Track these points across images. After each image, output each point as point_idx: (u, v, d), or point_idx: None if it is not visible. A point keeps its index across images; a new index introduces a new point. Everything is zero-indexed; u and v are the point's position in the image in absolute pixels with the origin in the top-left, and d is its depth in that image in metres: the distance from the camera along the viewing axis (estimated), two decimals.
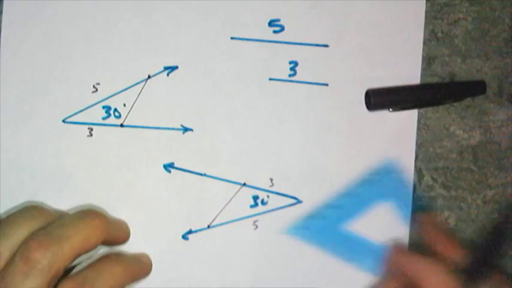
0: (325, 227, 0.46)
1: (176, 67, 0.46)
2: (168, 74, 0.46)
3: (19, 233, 0.36)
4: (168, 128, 0.45)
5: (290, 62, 0.46)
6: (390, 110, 0.46)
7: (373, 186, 0.46)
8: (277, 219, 0.46)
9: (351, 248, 0.46)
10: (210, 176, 0.46)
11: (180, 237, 0.45)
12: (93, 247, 0.37)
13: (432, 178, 0.47)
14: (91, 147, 0.45)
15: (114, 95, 0.45)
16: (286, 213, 0.46)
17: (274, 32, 0.46)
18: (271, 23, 0.46)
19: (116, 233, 0.42)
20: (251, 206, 0.46)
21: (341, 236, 0.46)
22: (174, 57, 0.46)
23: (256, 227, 0.46)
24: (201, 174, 0.46)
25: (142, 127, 0.45)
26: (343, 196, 0.46)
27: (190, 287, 0.46)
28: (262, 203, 0.46)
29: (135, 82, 0.45)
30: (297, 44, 0.46)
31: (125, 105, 0.45)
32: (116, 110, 0.45)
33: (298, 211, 0.46)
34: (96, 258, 0.39)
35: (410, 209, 0.47)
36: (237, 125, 0.46)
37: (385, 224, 0.47)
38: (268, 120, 0.46)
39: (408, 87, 0.46)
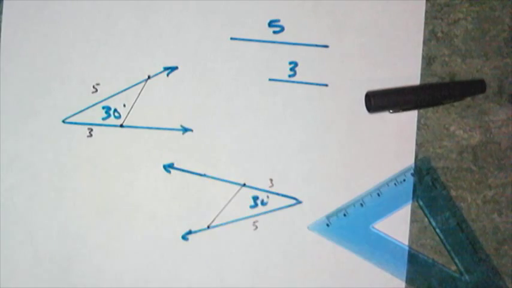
0: (348, 224, 0.46)
1: (176, 67, 0.46)
2: (167, 75, 0.46)
3: None
4: (168, 129, 0.45)
5: (290, 63, 0.46)
6: (390, 111, 0.46)
7: (398, 187, 0.46)
8: (277, 220, 0.46)
9: (373, 247, 0.46)
10: (209, 177, 0.46)
11: (180, 237, 0.46)
12: None
13: (432, 178, 0.47)
14: (91, 148, 0.45)
15: (114, 95, 0.45)
16: (286, 214, 0.46)
17: (274, 32, 0.46)
18: (271, 24, 0.46)
19: None
20: (251, 207, 0.46)
21: (364, 234, 0.46)
22: (173, 57, 0.46)
23: (256, 227, 0.46)
24: (200, 175, 0.46)
25: (142, 127, 0.45)
26: (367, 195, 0.46)
27: (190, 287, 0.46)
28: (262, 203, 0.46)
29: (135, 82, 0.45)
30: (296, 44, 0.46)
31: (124, 105, 0.45)
32: (115, 110, 0.45)
33: (298, 211, 0.46)
34: None
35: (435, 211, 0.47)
36: (236, 125, 0.46)
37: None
38: (268, 121, 0.46)
39: (408, 88, 0.46)
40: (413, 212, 0.47)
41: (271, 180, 0.46)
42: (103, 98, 0.45)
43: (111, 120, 0.45)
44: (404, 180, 0.47)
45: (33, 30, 0.45)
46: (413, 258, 0.47)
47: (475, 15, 0.48)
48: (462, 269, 0.47)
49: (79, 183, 0.45)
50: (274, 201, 0.46)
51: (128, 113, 0.45)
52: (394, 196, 0.46)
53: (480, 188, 0.48)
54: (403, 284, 0.46)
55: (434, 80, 0.47)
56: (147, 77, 0.45)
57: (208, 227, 0.46)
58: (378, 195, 0.46)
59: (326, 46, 0.46)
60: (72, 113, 0.45)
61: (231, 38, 0.46)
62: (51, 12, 0.45)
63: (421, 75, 0.47)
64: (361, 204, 0.46)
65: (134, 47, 0.45)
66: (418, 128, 0.47)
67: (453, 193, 0.47)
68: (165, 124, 0.45)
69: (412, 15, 0.47)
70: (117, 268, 0.45)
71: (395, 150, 0.47)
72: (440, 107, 0.47)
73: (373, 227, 0.46)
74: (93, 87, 0.45)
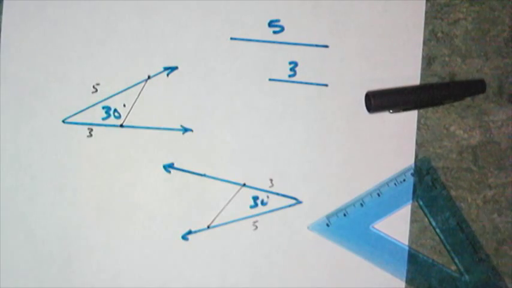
0: (348, 224, 0.46)
1: (176, 67, 0.46)
2: (167, 75, 0.46)
3: None
4: (168, 129, 0.45)
5: (290, 63, 0.46)
6: (390, 111, 0.46)
7: (398, 187, 0.46)
8: (277, 220, 0.46)
9: (373, 247, 0.46)
10: (209, 177, 0.46)
11: (180, 237, 0.46)
12: None
13: (432, 178, 0.47)
14: (91, 148, 0.45)
15: (114, 95, 0.45)
16: (286, 214, 0.46)
17: (274, 32, 0.46)
18: (271, 24, 0.46)
19: None
20: (251, 207, 0.46)
21: (364, 234, 0.46)
22: (173, 57, 0.46)
23: (256, 227, 0.46)
24: (200, 175, 0.46)
25: (142, 127, 0.45)
26: (367, 195, 0.46)
27: (190, 287, 0.46)
28: (262, 203, 0.46)
29: (134, 82, 0.45)
30: (296, 44, 0.46)
31: (124, 105, 0.45)
32: (115, 110, 0.45)
33: (298, 211, 0.46)
34: None
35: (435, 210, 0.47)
36: (237, 125, 0.46)
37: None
38: (268, 121, 0.46)
39: (408, 88, 0.46)
40: (413, 212, 0.47)
41: (271, 180, 0.46)
42: (103, 98, 0.45)
43: (111, 120, 0.45)
44: (404, 180, 0.47)
45: (33, 30, 0.45)
46: (413, 258, 0.47)
47: (475, 15, 0.48)
48: (462, 269, 0.47)
49: (79, 183, 0.45)
50: (274, 201, 0.46)
51: (128, 113, 0.45)
52: (394, 196, 0.46)
53: (480, 188, 0.48)
54: (403, 284, 0.46)
55: (434, 80, 0.47)
56: (147, 77, 0.45)
57: (208, 227, 0.46)
58: (378, 195, 0.46)
59: (326, 46, 0.46)
60: (72, 113, 0.45)
61: (231, 38, 0.46)
62: (51, 12, 0.45)
63: (421, 75, 0.47)
64: (361, 204, 0.46)
65: (134, 47, 0.45)
66: (418, 128, 0.47)
67: (453, 193, 0.47)
68: (165, 124, 0.45)
69: (412, 15, 0.47)
70: (117, 268, 0.45)
71: (395, 150, 0.47)
72: (440, 107, 0.47)
73: (373, 227, 0.47)
74: (93, 87, 0.45)
